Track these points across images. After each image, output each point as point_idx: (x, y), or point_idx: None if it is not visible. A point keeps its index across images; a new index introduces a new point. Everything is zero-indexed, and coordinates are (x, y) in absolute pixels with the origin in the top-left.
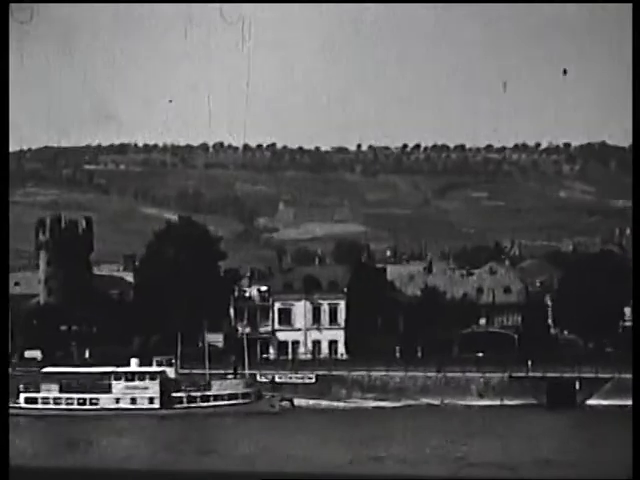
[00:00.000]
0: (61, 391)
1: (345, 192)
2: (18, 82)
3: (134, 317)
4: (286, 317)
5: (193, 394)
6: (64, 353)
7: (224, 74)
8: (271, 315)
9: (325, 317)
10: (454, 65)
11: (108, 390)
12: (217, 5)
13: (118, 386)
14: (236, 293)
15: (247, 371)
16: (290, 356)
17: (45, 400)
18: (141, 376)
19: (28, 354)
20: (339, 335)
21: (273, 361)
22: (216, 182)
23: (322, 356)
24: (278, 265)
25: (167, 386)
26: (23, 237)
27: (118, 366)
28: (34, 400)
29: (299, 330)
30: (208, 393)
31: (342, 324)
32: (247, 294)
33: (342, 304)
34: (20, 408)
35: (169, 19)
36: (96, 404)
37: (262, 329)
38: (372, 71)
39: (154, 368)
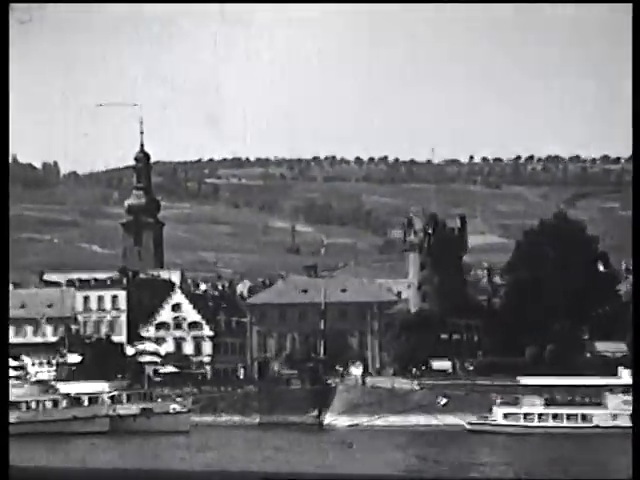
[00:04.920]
0: (546, 405)
1: (474, 204)
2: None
3: (514, 324)
4: None
5: None
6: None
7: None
8: None
9: None
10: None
11: (602, 405)
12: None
13: (615, 400)
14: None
15: None
16: None
17: (528, 416)
18: None
19: (436, 365)
20: None
21: None
22: (341, 194)
23: None
24: None
25: None
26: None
27: (508, 379)
28: (515, 416)
29: None
30: None
31: None
32: None
33: None
34: (498, 425)
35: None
36: (589, 421)
37: None
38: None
39: None
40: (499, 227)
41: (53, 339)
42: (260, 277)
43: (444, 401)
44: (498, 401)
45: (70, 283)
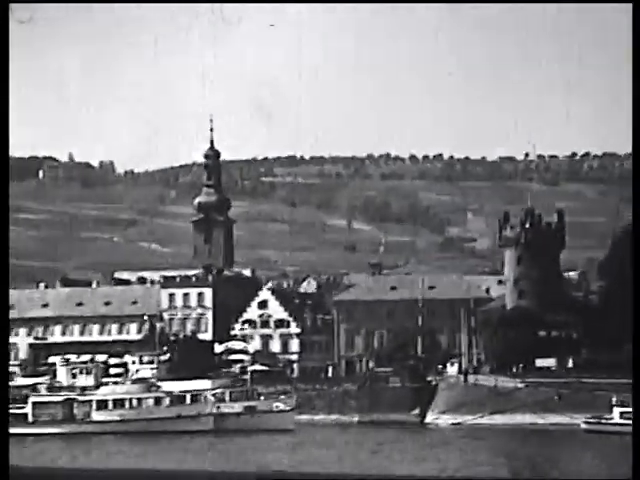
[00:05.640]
0: None
1: (532, 201)
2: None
3: (613, 321)
4: None
5: None
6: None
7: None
8: None
9: None
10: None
11: None
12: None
13: None
14: None
15: None
16: None
17: None
18: None
19: (540, 362)
20: None
21: None
22: (398, 192)
23: None
24: None
25: None
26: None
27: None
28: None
29: None
30: None
31: None
32: None
33: None
34: (615, 424)
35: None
36: None
37: None
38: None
39: None
40: None
41: (138, 337)
42: (323, 275)
43: (556, 398)
44: (614, 400)
45: (142, 280)
